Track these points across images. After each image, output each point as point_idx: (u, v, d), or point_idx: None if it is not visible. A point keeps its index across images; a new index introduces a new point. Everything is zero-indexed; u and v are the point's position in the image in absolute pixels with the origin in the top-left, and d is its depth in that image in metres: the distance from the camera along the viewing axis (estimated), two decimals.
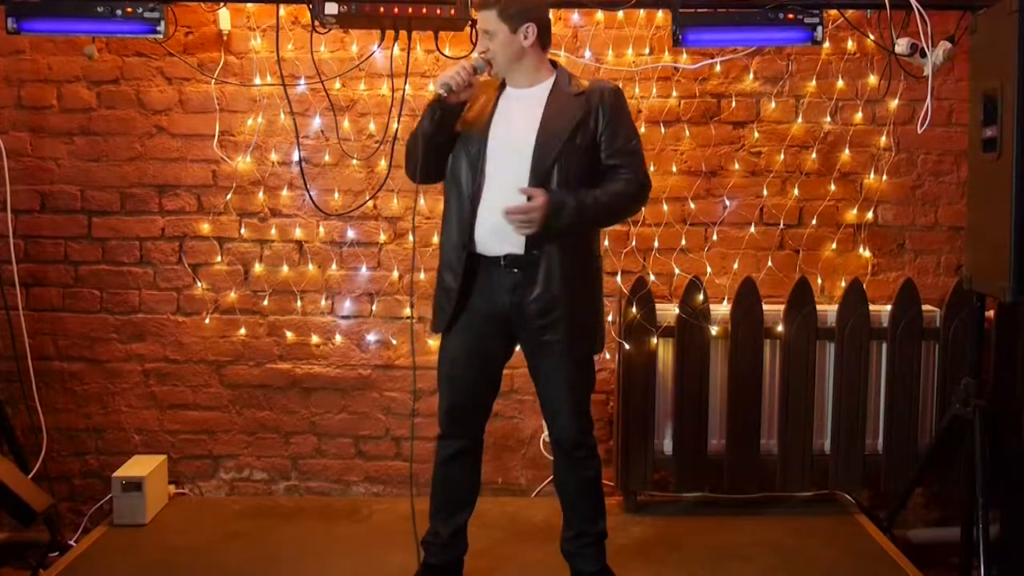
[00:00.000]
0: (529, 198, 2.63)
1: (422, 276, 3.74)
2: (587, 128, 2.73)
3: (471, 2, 2.82)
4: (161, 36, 3.42)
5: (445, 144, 2.79)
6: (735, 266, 3.78)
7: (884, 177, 3.77)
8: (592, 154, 2.74)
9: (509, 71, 2.79)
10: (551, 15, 2.94)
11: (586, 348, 2.82)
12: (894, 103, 3.72)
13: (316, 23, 3.44)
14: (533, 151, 2.69)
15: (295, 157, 3.70)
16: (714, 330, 3.59)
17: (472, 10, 3.14)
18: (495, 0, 2.72)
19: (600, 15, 3.64)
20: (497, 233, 2.69)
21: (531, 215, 2.60)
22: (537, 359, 2.83)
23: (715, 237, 3.79)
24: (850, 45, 3.69)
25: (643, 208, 3.13)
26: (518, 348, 2.90)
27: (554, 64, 2.87)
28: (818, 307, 3.60)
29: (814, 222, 3.78)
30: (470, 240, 2.72)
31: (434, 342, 3.76)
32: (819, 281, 3.78)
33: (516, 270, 2.70)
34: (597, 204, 2.70)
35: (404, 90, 3.61)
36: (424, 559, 2.91)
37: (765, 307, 3.60)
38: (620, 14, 3.62)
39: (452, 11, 3.24)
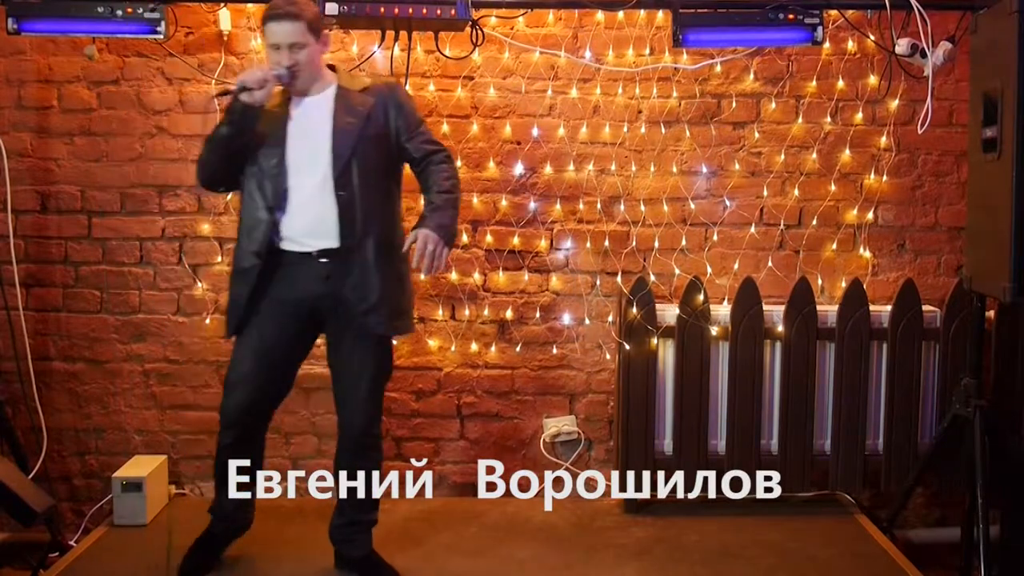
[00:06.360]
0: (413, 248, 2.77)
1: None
2: (377, 120, 2.85)
3: (283, 13, 2.75)
4: (161, 36, 3.41)
5: (240, 152, 2.82)
6: (735, 266, 3.79)
7: (884, 177, 3.77)
8: (384, 143, 2.87)
9: (309, 81, 2.85)
10: None
11: (401, 328, 3.00)
12: (894, 103, 3.72)
13: None
14: (331, 148, 2.79)
15: None
16: (714, 330, 3.59)
17: (320, 19, 2.91)
18: (302, 11, 2.76)
19: (600, 15, 3.64)
20: (310, 233, 2.81)
21: (430, 250, 2.74)
22: (343, 344, 2.93)
23: (715, 237, 3.79)
24: (850, 45, 3.69)
25: None
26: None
27: (331, 67, 2.96)
28: (818, 307, 3.60)
29: (814, 222, 3.79)
30: (268, 249, 2.82)
31: (434, 342, 3.77)
32: (819, 281, 3.78)
33: (326, 260, 2.82)
34: (451, 197, 2.87)
35: None
36: (209, 527, 3.10)
37: (765, 307, 3.60)
38: (620, 14, 3.62)
39: (452, 11, 3.25)
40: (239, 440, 2.96)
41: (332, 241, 2.82)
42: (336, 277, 2.83)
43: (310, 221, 2.81)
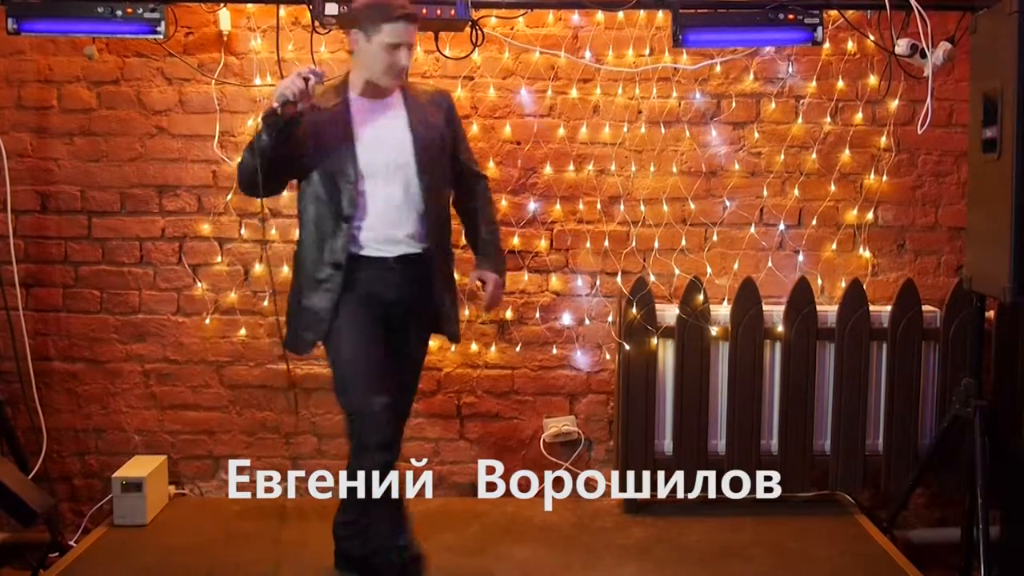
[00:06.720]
0: (482, 283, 2.98)
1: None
2: (445, 131, 2.94)
3: (410, 14, 2.76)
4: (161, 36, 3.41)
5: (289, 158, 2.75)
6: (735, 266, 3.79)
7: (884, 177, 3.77)
8: (448, 154, 2.96)
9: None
10: None
11: (456, 334, 3.07)
12: (894, 103, 3.72)
13: (316, 23, 3.44)
14: (416, 158, 2.82)
15: None
16: (714, 330, 3.59)
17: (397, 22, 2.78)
18: (415, 12, 2.81)
19: (600, 16, 3.64)
20: (390, 240, 2.81)
21: (497, 295, 2.98)
22: (403, 348, 2.95)
23: (715, 237, 3.79)
24: (850, 46, 3.69)
25: None
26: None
27: None
28: (818, 307, 3.60)
29: (814, 222, 3.78)
30: (346, 256, 2.78)
31: (434, 343, 3.76)
32: (819, 281, 3.78)
33: (401, 266, 2.83)
34: (499, 233, 3.10)
35: None
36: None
37: (765, 307, 3.60)
38: (620, 15, 3.62)
39: (452, 11, 3.25)
40: (393, 448, 2.82)
41: (406, 247, 2.83)
42: (409, 283, 2.85)
43: (390, 228, 2.81)
